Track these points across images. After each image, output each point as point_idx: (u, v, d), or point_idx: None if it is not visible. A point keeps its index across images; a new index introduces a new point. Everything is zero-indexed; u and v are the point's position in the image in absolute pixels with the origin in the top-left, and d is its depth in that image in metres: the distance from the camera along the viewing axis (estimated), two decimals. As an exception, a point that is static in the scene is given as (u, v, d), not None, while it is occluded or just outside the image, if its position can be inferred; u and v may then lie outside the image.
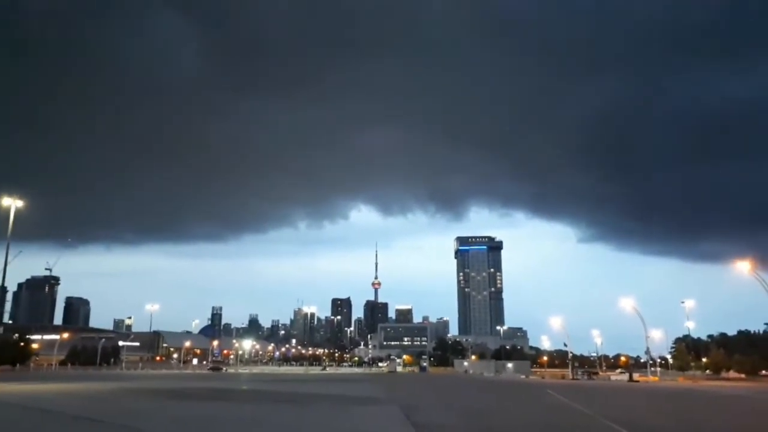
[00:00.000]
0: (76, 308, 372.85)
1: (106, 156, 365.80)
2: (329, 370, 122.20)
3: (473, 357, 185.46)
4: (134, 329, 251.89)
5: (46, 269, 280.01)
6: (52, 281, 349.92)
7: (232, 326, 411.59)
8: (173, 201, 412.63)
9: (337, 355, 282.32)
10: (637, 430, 16.37)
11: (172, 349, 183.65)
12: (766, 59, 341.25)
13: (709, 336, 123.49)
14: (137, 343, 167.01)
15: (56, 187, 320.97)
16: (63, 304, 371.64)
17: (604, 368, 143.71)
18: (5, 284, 50.38)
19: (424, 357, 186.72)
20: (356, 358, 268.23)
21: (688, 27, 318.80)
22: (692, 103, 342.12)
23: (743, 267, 54.28)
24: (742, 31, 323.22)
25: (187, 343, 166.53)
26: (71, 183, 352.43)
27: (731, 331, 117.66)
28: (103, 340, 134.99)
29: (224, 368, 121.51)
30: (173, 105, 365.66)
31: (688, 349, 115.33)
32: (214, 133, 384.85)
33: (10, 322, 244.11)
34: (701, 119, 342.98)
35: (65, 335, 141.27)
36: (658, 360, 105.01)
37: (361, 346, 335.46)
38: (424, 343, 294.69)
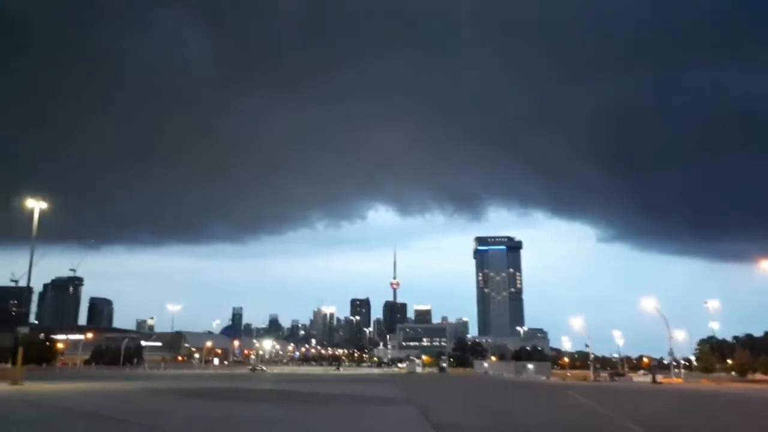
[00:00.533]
0: (100, 309, 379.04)
1: (126, 158, 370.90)
2: (342, 371, 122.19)
3: (493, 358, 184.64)
4: (156, 329, 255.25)
5: (70, 270, 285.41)
6: (76, 282, 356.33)
7: (253, 326, 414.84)
8: (191, 202, 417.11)
9: (356, 355, 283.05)
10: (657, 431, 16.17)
11: (193, 349, 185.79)
12: None
13: (734, 337, 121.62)
14: (159, 343, 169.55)
15: (78, 190, 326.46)
16: (87, 305, 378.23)
17: (626, 369, 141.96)
18: (31, 285, 51.41)
19: (443, 358, 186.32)
20: (375, 359, 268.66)
21: (704, 23, 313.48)
22: (712, 97, 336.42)
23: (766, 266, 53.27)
24: (756, 27, 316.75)
25: (209, 343, 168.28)
26: (92, 185, 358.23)
27: (757, 332, 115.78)
28: (126, 340, 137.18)
29: (262, 368, 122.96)
30: (192, 106, 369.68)
31: (712, 351, 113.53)
32: (232, 134, 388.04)
33: (36, 322, 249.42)
34: (721, 114, 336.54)
35: (89, 335, 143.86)
36: (682, 362, 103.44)
37: (380, 347, 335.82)
38: (443, 343, 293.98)
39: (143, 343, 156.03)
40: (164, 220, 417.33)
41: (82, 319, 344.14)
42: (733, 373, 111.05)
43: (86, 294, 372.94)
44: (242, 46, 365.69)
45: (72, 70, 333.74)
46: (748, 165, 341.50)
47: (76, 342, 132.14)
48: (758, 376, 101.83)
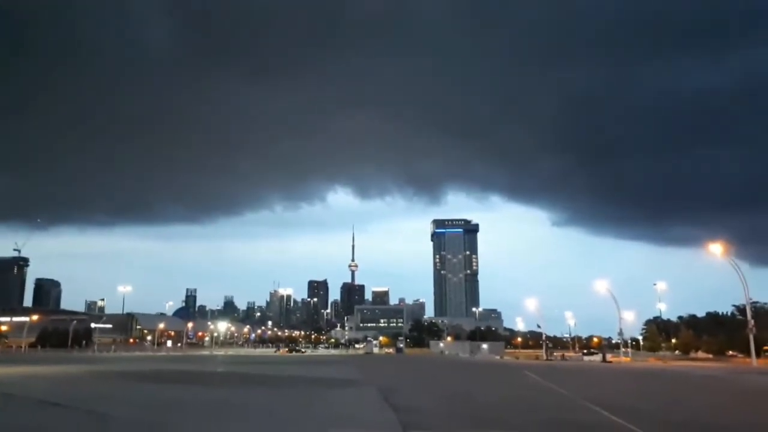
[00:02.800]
0: (47, 290, 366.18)
1: (80, 137, 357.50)
2: (282, 353, 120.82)
3: (449, 338, 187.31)
4: (107, 311, 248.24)
5: (14, 250, 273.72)
6: (21, 262, 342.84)
7: (207, 308, 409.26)
8: (148, 183, 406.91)
9: (313, 336, 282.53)
10: (615, 410, 16.25)
11: (146, 332, 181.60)
12: (737, 49, 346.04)
13: (679, 318, 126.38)
14: (110, 326, 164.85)
15: (27, 169, 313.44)
16: (33, 286, 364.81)
17: (577, 349, 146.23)
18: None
19: (400, 339, 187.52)
20: (333, 340, 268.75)
21: (663, 16, 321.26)
22: (664, 92, 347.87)
23: (716, 249, 55.13)
24: (715, 21, 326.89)
25: (161, 325, 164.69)
26: (43, 164, 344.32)
27: (700, 313, 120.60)
28: (75, 322, 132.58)
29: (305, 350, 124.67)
30: (149, 86, 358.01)
31: (658, 331, 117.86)
32: (190, 115, 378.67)
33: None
34: (673, 108, 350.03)
35: (35, 317, 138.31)
36: (630, 341, 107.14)
37: (338, 328, 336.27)
38: (400, 324, 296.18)
39: (93, 325, 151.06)
40: (119, 201, 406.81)
41: (28, 301, 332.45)
42: (677, 351, 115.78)
43: (32, 275, 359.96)
44: (202, 25, 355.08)
45: (25, 47, 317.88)
46: (698, 155, 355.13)
47: (21, 324, 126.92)
48: (700, 354, 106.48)
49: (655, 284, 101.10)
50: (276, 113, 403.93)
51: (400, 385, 28.95)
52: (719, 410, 19.31)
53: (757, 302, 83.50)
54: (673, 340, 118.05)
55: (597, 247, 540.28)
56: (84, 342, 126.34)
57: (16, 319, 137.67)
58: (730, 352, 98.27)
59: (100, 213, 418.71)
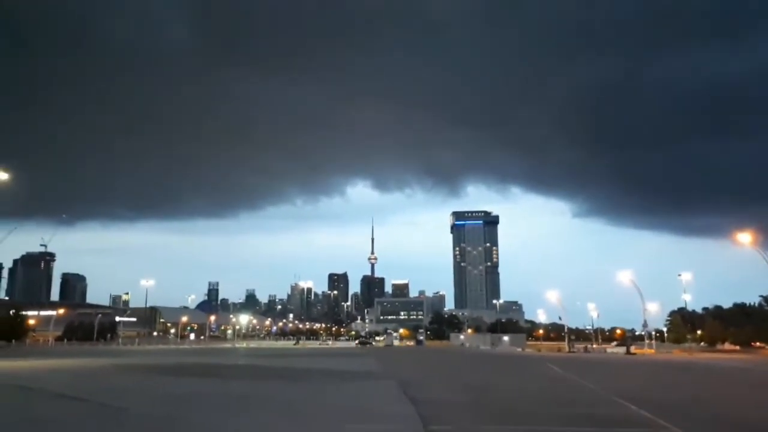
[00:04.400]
0: (73, 284, 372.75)
1: (103, 132, 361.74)
2: (300, 345, 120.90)
3: (469, 330, 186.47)
4: (131, 305, 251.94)
5: (41, 245, 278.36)
6: (48, 257, 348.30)
7: (230, 301, 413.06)
8: (170, 178, 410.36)
9: (334, 329, 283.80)
10: (642, 403, 15.69)
11: (169, 325, 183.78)
12: (756, 37, 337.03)
13: (704, 308, 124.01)
14: (134, 319, 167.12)
15: (53, 165, 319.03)
16: (59, 281, 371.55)
17: (600, 341, 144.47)
18: (-2, 260, 49.39)
19: (420, 331, 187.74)
20: (353, 333, 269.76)
21: (682, 4, 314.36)
22: (685, 80, 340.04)
23: (744, 239, 53.65)
24: (733, 8, 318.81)
25: (184, 318, 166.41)
26: (68, 160, 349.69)
27: (726, 304, 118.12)
28: (100, 315, 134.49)
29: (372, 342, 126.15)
30: (170, 82, 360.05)
31: (683, 322, 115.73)
32: (211, 110, 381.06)
33: (6, 298, 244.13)
34: (695, 95, 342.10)
35: (61, 311, 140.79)
36: (654, 333, 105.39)
37: (358, 321, 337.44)
38: (420, 317, 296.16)
39: (117, 318, 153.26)
40: (141, 197, 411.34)
41: (55, 295, 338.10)
42: (703, 343, 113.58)
43: (58, 270, 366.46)
44: (224, 22, 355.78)
45: (49, 45, 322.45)
46: (719, 145, 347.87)
47: (48, 318, 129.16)
48: (726, 346, 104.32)
49: (679, 275, 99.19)
50: (295, 107, 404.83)
51: (420, 377, 28.61)
52: (749, 404, 18.60)
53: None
54: (699, 332, 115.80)
55: (618, 238, 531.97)
56: (109, 335, 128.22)
57: (43, 313, 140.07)
58: (758, 344, 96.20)
59: (123, 208, 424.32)
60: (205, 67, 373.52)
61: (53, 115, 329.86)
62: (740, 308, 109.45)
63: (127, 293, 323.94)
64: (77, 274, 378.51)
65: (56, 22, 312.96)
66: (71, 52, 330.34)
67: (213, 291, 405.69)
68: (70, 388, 20.53)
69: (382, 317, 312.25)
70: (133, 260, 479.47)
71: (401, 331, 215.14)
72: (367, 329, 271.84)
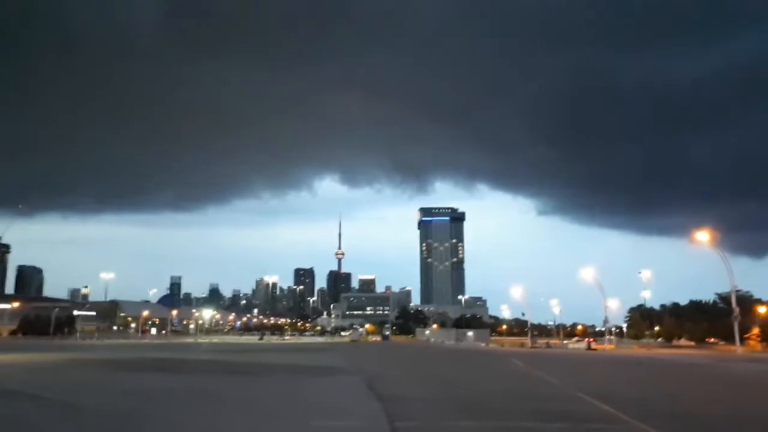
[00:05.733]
0: (29, 277, 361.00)
1: (64, 122, 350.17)
2: (265, 340, 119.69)
3: (435, 326, 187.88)
4: (91, 299, 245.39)
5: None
6: (3, 249, 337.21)
7: (192, 296, 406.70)
8: (134, 169, 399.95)
9: (299, 324, 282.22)
10: (604, 399, 15.89)
11: (129, 319, 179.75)
12: (723, 37, 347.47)
13: (662, 305, 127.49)
14: (93, 313, 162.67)
15: (9, 154, 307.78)
16: (15, 273, 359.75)
17: (562, 337, 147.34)
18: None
19: (386, 326, 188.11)
20: (319, 328, 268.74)
21: (647, 4, 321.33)
22: (649, 80, 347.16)
23: (702, 237, 55.26)
24: (702, 8, 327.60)
25: (146, 313, 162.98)
26: (27, 149, 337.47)
27: (683, 301, 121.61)
28: (57, 309, 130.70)
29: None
30: (136, 71, 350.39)
31: (642, 318, 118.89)
32: (176, 101, 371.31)
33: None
34: (658, 97, 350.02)
35: (16, 304, 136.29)
36: (614, 329, 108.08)
37: (324, 316, 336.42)
38: (386, 312, 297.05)
39: (76, 312, 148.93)
40: (103, 188, 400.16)
41: (9, 287, 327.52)
42: (660, 339, 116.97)
43: (14, 262, 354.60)
44: (191, 11, 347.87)
45: (4, 28, 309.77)
46: (680, 146, 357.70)
47: (2, 311, 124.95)
48: (682, 341, 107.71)
49: (640, 273, 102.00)
50: (264, 101, 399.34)
51: (386, 373, 28.51)
52: (707, 399, 19.05)
53: (739, 290, 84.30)
54: (657, 328, 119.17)
55: (581, 236, 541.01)
56: (66, 329, 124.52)
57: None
58: (712, 339, 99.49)
59: (84, 199, 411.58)
60: (173, 58, 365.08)
61: (10, 102, 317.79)
62: (696, 305, 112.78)
63: (86, 287, 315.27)
64: (34, 267, 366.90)
65: (9, 3, 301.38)
66: (30, 36, 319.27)
67: (175, 285, 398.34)
68: (23, 384, 19.73)
69: (348, 312, 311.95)
70: (94, 253, 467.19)
71: (367, 326, 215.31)
72: (333, 324, 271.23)
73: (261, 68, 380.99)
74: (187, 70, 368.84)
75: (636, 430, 11.84)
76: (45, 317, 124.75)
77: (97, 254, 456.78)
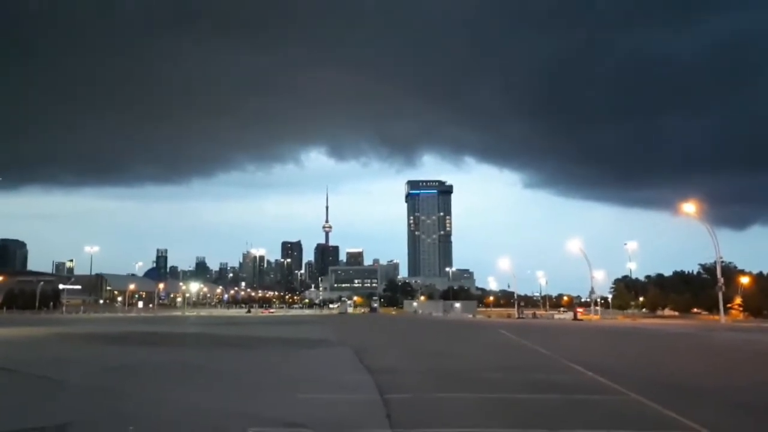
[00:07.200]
0: (12, 250, 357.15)
1: (47, 95, 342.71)
2: (252, 313, 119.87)
3: (422, 298, 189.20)
4: (76, 273, 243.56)
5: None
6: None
7: (179, 269, 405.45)
8: (117, 142, 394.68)
9: (287, 297, 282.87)
10: (595, 369, 15.82)
11: (116, 293, 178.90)
12: (704, 16, 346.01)
13: (647, 276, 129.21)
14: (79, 287, 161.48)
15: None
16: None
17: (548, 308, 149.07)
18: None
19: (374, 298, 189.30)
20: (307, 300, 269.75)
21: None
22: (633, 57, 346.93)
23: (689, 209, 55.50)
24: None
25: (132, 286, 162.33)
26: (8, 121, 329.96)
27: (667, 272, 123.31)
28: (42, 283, 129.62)
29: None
30: (116, 45, 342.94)
31: (627, 289, 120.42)
32: (162, 74, 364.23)
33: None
34: (641, 73, 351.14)
35: (0, 278, 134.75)
36: (599, 299, 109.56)
37: (312, 289, 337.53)
38: (374, 285, 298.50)
39: (61, 286, 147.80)
40: (86, 161, 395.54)
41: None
42: (644, 309, 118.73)
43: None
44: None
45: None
46: (665, 121, 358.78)
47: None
48: (666, 312, 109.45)
49: (625, 244, 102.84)
50: (249, 74, 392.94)
51: (375, 345, 28.39)
52: (694, 368, 19.11)
53: (723, 261, 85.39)
54: (641, 299, 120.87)
55: (568, 209, 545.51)
56: (52, 303, 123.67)
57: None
58: (695, 309, 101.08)
59: (67, 172, 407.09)
60: (153, 31, 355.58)
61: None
62: (680, 276, 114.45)
63: (71, 260, 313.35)
64: (17, 240, 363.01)
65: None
66: (9, 10, 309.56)
67: (162, 258, 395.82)
68: (4, 360, 19.27)
69: (336, 285, 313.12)
70: (78, 226, 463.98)
71: (355, 298, 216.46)
72: (321, 297, 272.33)
73: (247, 43, 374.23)
74: (165, 46, 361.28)
75: (632, 402, 11.69)
76: (30, 291, 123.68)
77: (82, 228, 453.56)
